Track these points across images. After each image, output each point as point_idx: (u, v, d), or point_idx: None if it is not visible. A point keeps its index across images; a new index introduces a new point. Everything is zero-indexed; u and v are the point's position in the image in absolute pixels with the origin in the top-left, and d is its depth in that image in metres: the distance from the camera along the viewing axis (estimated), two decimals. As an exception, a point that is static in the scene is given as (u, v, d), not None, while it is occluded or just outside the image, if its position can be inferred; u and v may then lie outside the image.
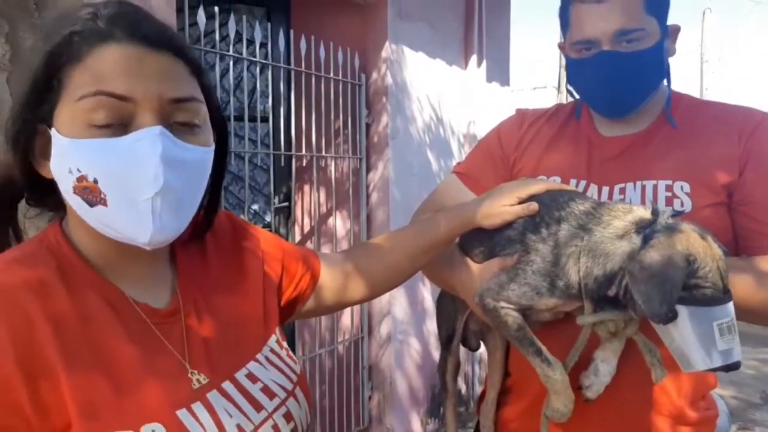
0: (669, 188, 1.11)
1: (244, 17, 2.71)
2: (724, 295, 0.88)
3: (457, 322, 1.26)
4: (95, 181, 0.69)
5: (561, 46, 1.25)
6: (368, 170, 3.29)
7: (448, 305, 1.28)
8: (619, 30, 1.10)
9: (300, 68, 2.89)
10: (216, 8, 2.40)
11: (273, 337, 0.89)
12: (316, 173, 2.99)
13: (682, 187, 1.11)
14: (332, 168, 3.14)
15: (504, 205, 1.04)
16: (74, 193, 0.70)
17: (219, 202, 0.89)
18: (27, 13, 1.74)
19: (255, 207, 3.33)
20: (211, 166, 0.79)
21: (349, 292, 1.07)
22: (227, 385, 0.78)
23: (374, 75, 3.26)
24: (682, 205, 1.09)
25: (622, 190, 1.14)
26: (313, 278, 1.02)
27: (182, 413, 0.72)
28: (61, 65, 0.70)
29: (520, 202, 1.04)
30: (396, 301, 3.30)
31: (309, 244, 3.23)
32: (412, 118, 3.46)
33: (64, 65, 0.70)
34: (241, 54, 2.66)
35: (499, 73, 4.49)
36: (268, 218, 3.21)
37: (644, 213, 0.96)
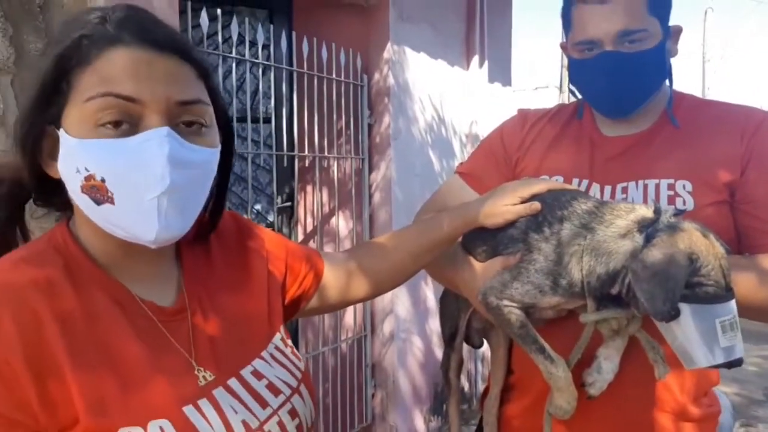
0: (671, 187, 1.11)
1: (247, 19, 2.71)
2: (726, 292, 0.89)
3: (460, 320, 1.26)
4: (103, 180, 0.70)
5: (563, 47, 1.26)
6: (371, 170, 3.30)
7: (451, 303, 1.29)
8: (622, 31, 1.10)
9: (302, 69, 2.89)
10: (218, 10, 2.40)
11: (278, 335, 0.89)
12: (318, 173, 3.00)
13: (684, 186, 1.11)
14: (335, 168, 3.14)
15: (506, 205, 1.05)
16: (82, 191, 0.71)
17: (225, 202, 0.89)
18: (31, 16, 1.75)
19: (258, 207, 3.34)
20: (217, 167, 0.80)
21: (352, 290, 1.08)
22: (233, 382, 0.79)
23: (376, 76, 3.26)
24: (684, 203, 1.09)
25: (625, 190, 1.15)
26: (316, 277, 1.03)
27: (189, 409, 0.72)
28: (70, 68, 0.70)
29: (523, 202, 1.05)
30: (399, 300, 3.30)
31: (312, 244, 3.23)
32: (414, 119, 3.46)
33: (74, 68, 0.70)
34: (244, 56, 2.66)
35: (501, 73, 4.49)
36: (271, 218, 3.22)
37: (647, 212, 0.96)
